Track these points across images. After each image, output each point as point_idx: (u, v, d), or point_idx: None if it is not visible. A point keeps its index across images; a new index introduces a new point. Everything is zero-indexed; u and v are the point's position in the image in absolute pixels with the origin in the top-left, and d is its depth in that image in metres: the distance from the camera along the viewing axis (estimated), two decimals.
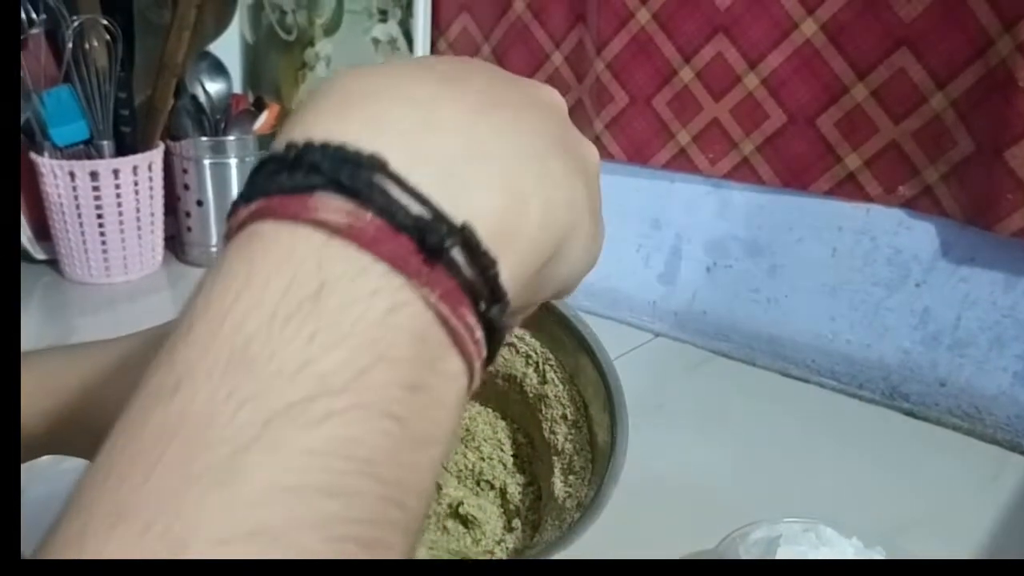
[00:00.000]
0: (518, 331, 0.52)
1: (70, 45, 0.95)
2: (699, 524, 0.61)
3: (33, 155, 0.98)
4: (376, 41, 1.04)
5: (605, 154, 0.88)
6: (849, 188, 0.75)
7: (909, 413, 0.76)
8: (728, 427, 0.74)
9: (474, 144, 0.24)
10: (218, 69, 1.08)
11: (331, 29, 1.09)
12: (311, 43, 1.12)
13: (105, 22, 0.96)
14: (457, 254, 0.22)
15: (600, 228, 0.30)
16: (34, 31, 0.97)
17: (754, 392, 0.80)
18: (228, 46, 1.15)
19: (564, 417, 0.51)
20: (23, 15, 0.96)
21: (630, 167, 0.88)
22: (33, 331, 0.93)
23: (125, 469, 0.19)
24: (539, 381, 0.53)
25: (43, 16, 0.97)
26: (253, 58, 1.19)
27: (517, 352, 0.53)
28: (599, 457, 0.49)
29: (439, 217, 0.22)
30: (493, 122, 0.25)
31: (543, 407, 0.53)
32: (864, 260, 0.76)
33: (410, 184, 0.22)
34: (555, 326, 0.51)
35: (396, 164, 0.22)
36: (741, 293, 0.84)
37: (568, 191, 0.26)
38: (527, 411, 0.54)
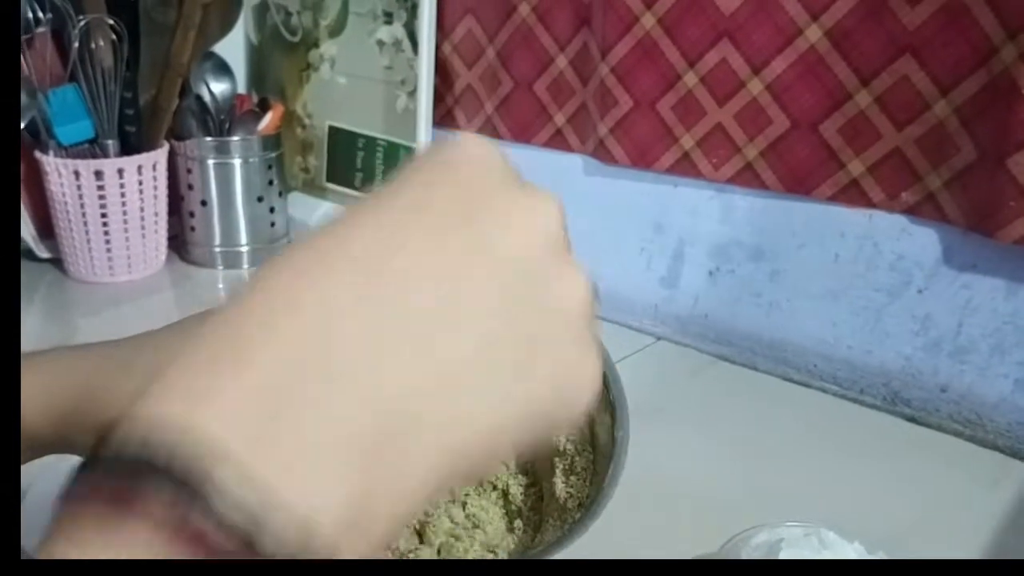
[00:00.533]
0: None
1: (76, 44, 0.95)
2: (700, 528, 0.61)
3: (38, 153, 0.98)
4: (381, 43, 1.05)
5: (609, 158, 0.88)
6: (852, 194, 0.75)
7: (910, 419, 0.76)
8: (729, 431, 0.74)
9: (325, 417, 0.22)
10: (223, 70, 1.08)
11: (336, 31, 1.10)
12: (316, 44, 1.12)
13: (111, 22, 0.96)
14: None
15: (587, 362, 0.27)
16: (40, 30, 0.98)
17: (755, 396, 0.80)
18: (233, 47, 1.15)
19: (571, 441, 0.52)
20: (30, 14, 0.96)
21: (633, 171, 0.88)
22: (36, 330, 0.93)
23: None
24: None
25: (49, 15, 0.97)
26: (258, 59, 1.19)
27: None
28: (600, 458, 0.49)
29: (269, 520, 0.20)
30: (396, 347, 0.23)
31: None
32: (866, 266, 0.76)
33: (245, 489, 0.20)
34: None
35: (235, 457, 0.20)
36: (743, 298, 0.85)
37: (492, 415, 0.24)
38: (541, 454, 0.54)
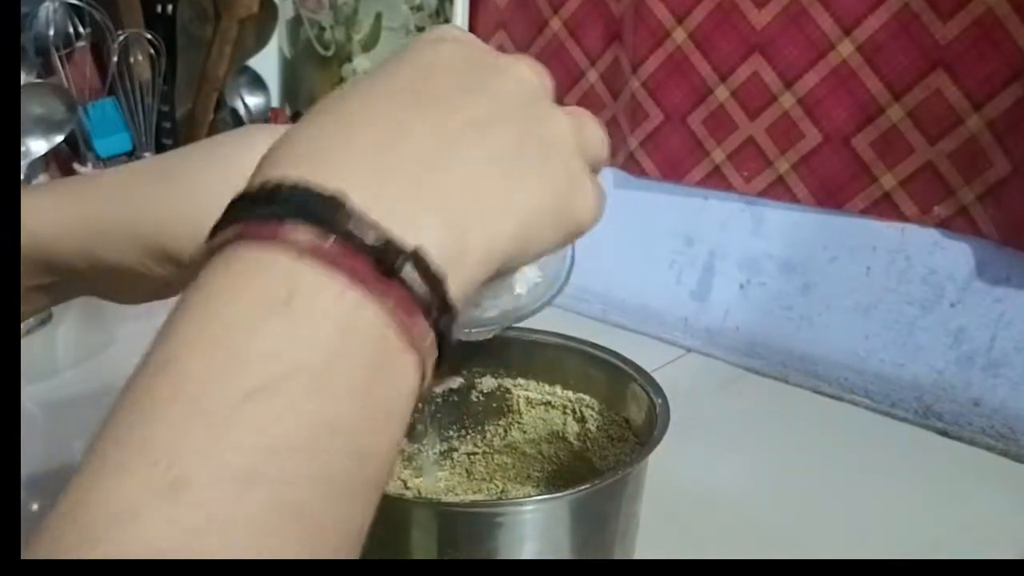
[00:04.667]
0: (547, 388, 0.56)
1: (115, 59, 0.97)
2: (728, 540, 0.61)
3: (76, 165, 1.00)
4: None
5: (639, 171, 0.89)
6: (884, 208, 0.75)
7: (943, 433, 0.76)
8: (759, 444, 0.74)
9: (425, 182, 0.28)
10: (257, 83, 1.09)
11: (369, 45, 1.11)
12: (348, 59, 1.13)
13: (149, 36, 0.98)
14: (409, 271, 0.26)
15: (584, 189, 0.33)
16: (80, 44, 1.00)
17: (786, 410, 0.80)
18: (267, 61, 1.17)
19: (610, 438, 0.53)
20: (70, 29, 0.98)
21: (664, 184, 0.88)
22: (72, 339, 0.95)
23: (131, 427, 0.23)
24: (578, 423, 0.54)
25: (89, 30, 0.99)
26: (291, 73, 1.21)
27: (552, 407, 0.55)
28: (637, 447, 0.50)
29: (391, 242, 0.26)
30: (449, 152, 0.29)
31: (588, 443, 0.54)
32: (898, 279, 0.76)
33: (367, 218, 0.26)
34: (581, 366, 0.53)
35: (355, 201, 0.26)
36: (774, 311, 0.85)
37: (519, 207, 0.30)
38: (576, 460, 0.55)
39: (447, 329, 0.27)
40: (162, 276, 0.40)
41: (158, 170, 0.41)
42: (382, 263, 0.25)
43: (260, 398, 0.23)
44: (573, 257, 0.41)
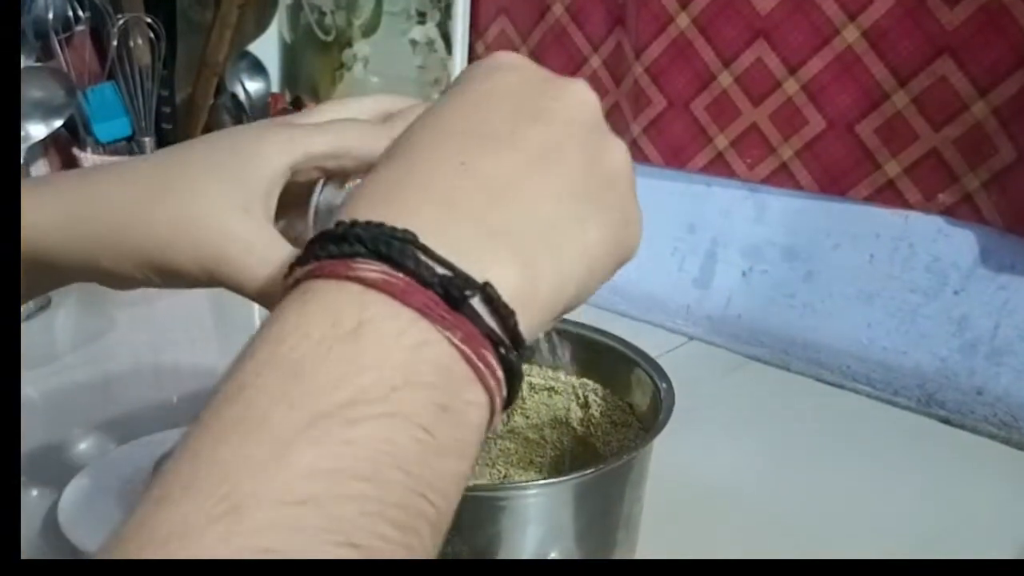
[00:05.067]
0: (551, 374, 0.56)
1: (114, 43, 0.96)
2: (731, 527, 0.61)
3: (76, 150, 0.99)
4: (414, 43, 1.05)
5: (642, 157, 0.88)
6: (888, 195, 0.75)
7: (945, 421, 0.75)
8: (762, 432, 0.74)
9: (494, 221, 0.28)
10: (257, 68, 1.09)
11: (369, 30, 1.10)
12: (349, 44, 1.13)
13: (149, 20, 0.97)
14: (478, 305, 0.26)
15: (634, 219, 0.33)
16: (79, 29, 0.99)
17: (788, 397, 0.80)
18: (267, 46, 1.16)
19: (613, 424, 0.53)
20: (69, 13, 0.97)
21: (667, 171, 0.88)
22: (72, 323, 0.95)
23: (197, 450, 0.24)
24: (582, 408, 0.54)
25: (88, 14, 0.99)
26: (291, 58, 1.20)
27: (555, 392, 0.55)
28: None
29: (460, 276, 0.26)
30: (516, 189, 0.29)
31: (592, 428, 0.54)
32: (902, 267, 0.76)
33: (436, 253, 0.26)
34: (584, 351, 0.53)
35: (425, 239, 0.26)
36: (776, 298, 0.84)
37: (590, 248, 0.31)
38: (579, 445, 0.55)
39: (517, 364, 0.27)
40: (161, 284, 0.40)
41: (158, 183, 0.40)
42: (451, 296, 0.26)
43: (323, 425, 0.23)
44: None
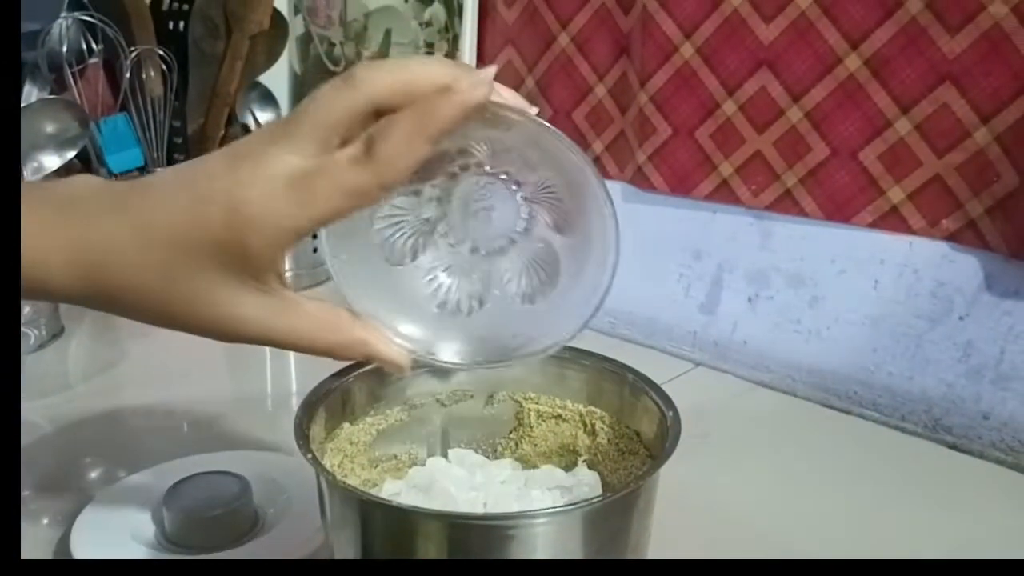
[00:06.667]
0: (558, 402, 0.56)
1: (127, 75, 0.98)
2: (738, 553, 0.61)
3: None
4: None
5: (647, 185, 0.89)
6: (892, 221, 0.76)
7: (952, 446, 0.76)
8: (768, 458, 0.74)
9: None
10: (268, 99, 1.10)
11: None
12: None
13: (161, 52, 0.99)
14: None
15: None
16: (92, 61, 1.01)
17: (795, 423, 0.80)
18: (278, 77, 1.18)
19: (620, 451, 0.53)
20: (83, 45, 0.99)
21: (672, 198, 0.89)
22: (84, 354, 0.95)
23: None
24: (589, 436, 0.55)
25: (101, 46, 1.00)
26: (301, 89, 1.22)
27: (563, 420, 0.55)
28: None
29: None
30: None
31: (599, 456, 0.54)
32: (907, 293, 0.76)
33: None
34: (591, 379, 0.54)
35: None
36: (782, 324, 0.85)
37: None
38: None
39: None
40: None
41: (138, 226, 0.39)
42: None
43: None
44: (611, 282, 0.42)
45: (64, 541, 0.58)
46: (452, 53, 1.02)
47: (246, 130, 1.07)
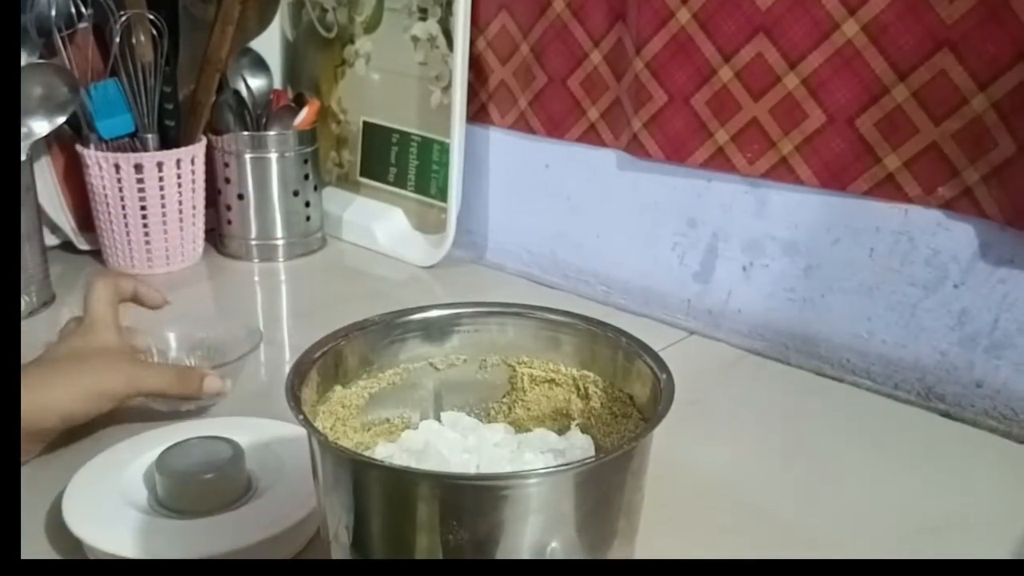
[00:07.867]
0: (552, 365, 0.56)
1: (117, 40, 0.96)
2: (732, 522, 0.62)
3: (79, 147, 1.00)
4: (415, 39, 1.05)
5: (643, 152, 0.89)
6: (888, 189, 0.75)
7: (945, 414, 0.76)
8: (761, 426, 0.74)
9: None
10: (260, 65, 1.09)
11: (371, 27, 1.11)
12: (351, 40, 1.13)
13: (151, 17, 0.98)
14: None
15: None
16: (82, 25, 1.00)
17: (788, 391, 0.81)
18: (269, 43, 1.16)
19: (614, 415, 0.53)
20: (72, 10, 0.98)
21: (667, 165, 0.88)
22: None
23: None
24: (582, 400, 0.54)
25: (91, 11, 0.99)
26: (293, 55, 1.21)
27: (556, 384, 0.55)
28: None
29: None
30: None
31: (592, 420, 0.54)
32: (902, 261, 0.76)
33: None
34: (584, 343, 0.54)
35: None
36: (777, 292, 0.85)
37: None
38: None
39: None
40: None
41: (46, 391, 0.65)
42: None
43: None
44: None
45: (56, 506, 0.58)
46: (446, 18, 1.01)
47: (237, 96, 1.06)
